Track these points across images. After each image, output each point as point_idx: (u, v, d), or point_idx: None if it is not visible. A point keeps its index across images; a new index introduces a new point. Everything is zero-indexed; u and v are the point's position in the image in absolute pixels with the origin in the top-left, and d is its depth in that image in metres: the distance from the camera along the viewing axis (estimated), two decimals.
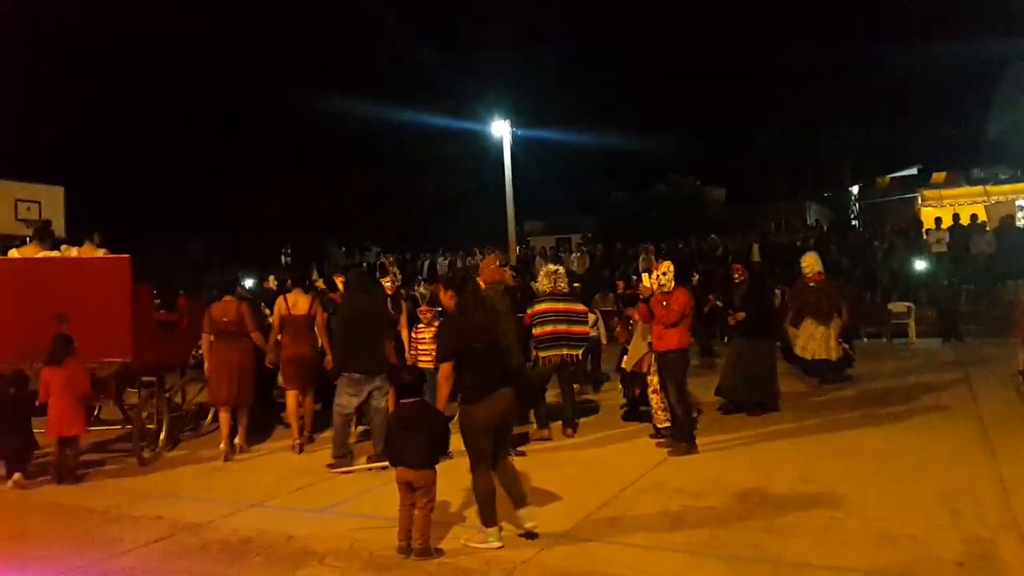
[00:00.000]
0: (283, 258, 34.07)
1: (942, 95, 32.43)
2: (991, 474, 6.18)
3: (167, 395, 8.82)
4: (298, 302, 8.31)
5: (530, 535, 5.18)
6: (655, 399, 7.80)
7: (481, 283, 7.56)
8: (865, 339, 15.91)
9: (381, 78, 33.44)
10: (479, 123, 27.26)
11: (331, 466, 7.23)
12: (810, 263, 10.78)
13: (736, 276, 9.64)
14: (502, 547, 5.04)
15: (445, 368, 5.22)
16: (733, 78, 35.70)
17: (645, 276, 8.23)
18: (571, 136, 31.87)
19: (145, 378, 8.47)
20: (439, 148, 32.58)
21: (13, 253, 8.75)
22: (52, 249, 8.66)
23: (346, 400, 7.33)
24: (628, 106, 37.40)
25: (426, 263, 25.39)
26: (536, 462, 7.19)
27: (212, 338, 8.21)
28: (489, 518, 5.13)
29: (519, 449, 7.40)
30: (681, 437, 7.35)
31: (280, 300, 8.43)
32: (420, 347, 8.41)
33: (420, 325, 8.57)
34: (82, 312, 7.72)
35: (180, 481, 7.29)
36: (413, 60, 34.09)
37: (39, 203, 16.03)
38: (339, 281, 9.63)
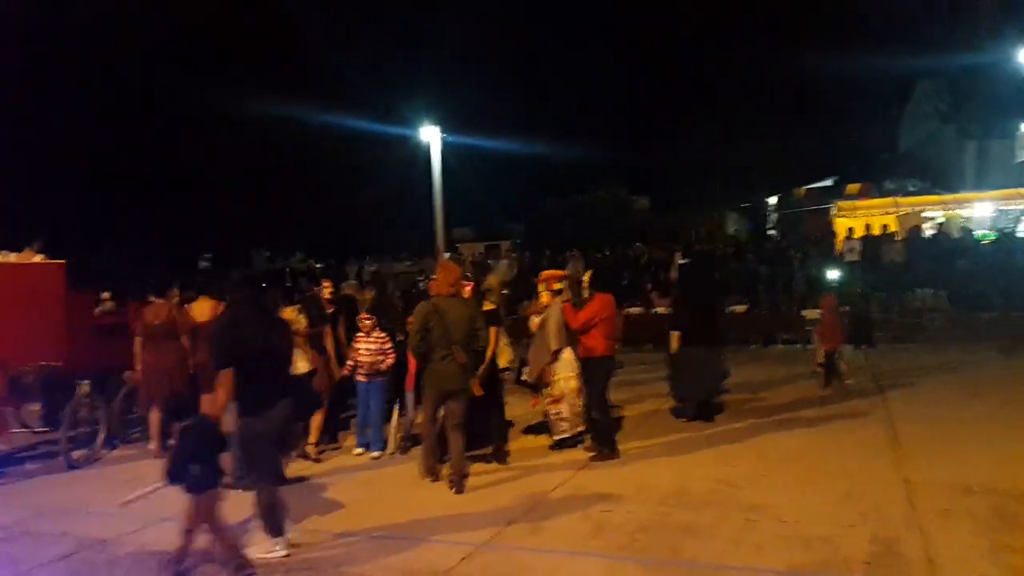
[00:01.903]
0: (200, 263, 33.20)
1: (857, 109, 33.71)
2: (898, 475, 6.44)
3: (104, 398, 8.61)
4: (204, 310, 8.32)
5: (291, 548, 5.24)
6: (554, 409, 7.76)
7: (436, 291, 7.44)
8: (781, 345, 16.43)
9: (308, 81, 32.96)
10: (408, 128, 27.14)
11: (229, 486, 6.88)
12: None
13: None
14: (288, 555, 5.09)
15: (222, 376, 4.96)
16: (658, 89, 36.50)
17: (542, 286, 8.18)
18: (501, 143, 31.99)
19: (81, 382, 8.29)
20: (367, 153, 32.28)
21: None
22: None
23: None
24: (557, 114, 37.83)
25: (355, 270, 25.08)
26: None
27: (141, 341, 8.25)
28: (275, 528, 5.13)
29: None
30: (602, 443, 7.44)
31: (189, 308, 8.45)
32: (358, 358, 7.83)
33: (359, 334, 7.92)
34: (13, 316, 7.72)
35: (92, 494, 7.01)
36: (340, 64, 33.72)
37: None
38: (324, 286, 9.34)
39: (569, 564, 4.89)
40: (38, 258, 8.81)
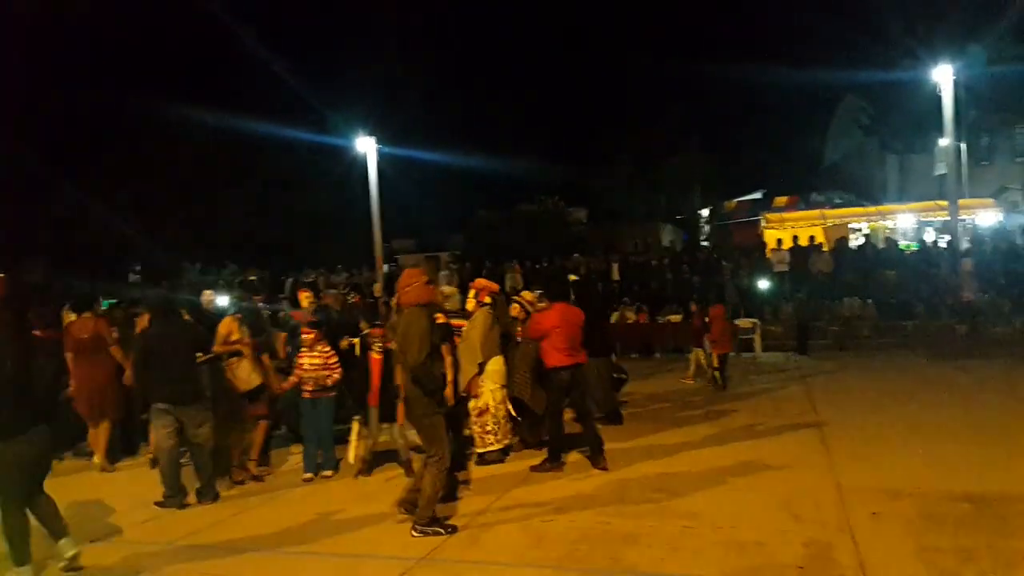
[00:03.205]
0: (130, 276, 32.24)
1: (785, 123, 34.74)
2: (829, 480, 6.59)
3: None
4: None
5: (74, 567, 5.15)
6: (479, 422, 7.67)
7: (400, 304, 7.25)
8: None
9: (242, 92, 32.32)
10: (344, 139, 26.87)
11: (160, 504, 6.72)
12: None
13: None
14: None
15: None
16: (594, 102, 36.97)
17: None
18: (438, 155, 31.92)
19: None
20: (302, 163, 31.84)
21: None
22: None
23: (160, 433, 6.80)
24: (494, 126, 37.99)
25: (289, 281, 24.66)
26: (391, 485, 7.02)
27: (72, 356, 8.11)
28: (21, 556, 5.01)
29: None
30: (551, 456, 7.40)
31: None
32: (302, 374, 7.45)
33: (303, 349, 7.55)
34: None
35: None
36: (275, 74, 33.20)
37: None
38: (303, 296, 9.08)
39: (509, 575, 4.86)
40: None
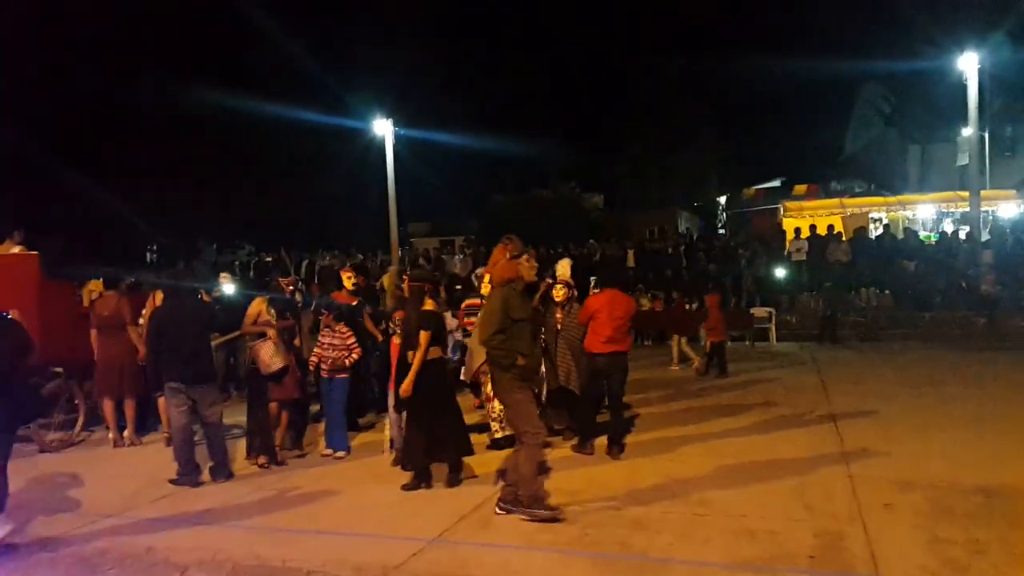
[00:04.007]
0: (149, 256, 32.47)
1: (805, 111, 34.40)
2: (842, 470, 6.57)
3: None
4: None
5: None
6: (486, 408, 7.67)
7: (489, 282, 7.15)
8: (729, 342, 16.66)
9: (258, 72, 32.41)
10: (361, 121, 26.87)
11: (173, 481, 6.76)
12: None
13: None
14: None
15: None
16: (611, 87, 36.76)
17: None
18: (455, 138, 31.88)
19: (56, 369, 8.47)
20: (319, 145, 31.91)
21: None
22: None
23: (173, 412, 6.87)
24: (511, 111, 37.79)
25: (304, 263, 24.76)
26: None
27: (95, 333, 8.38)
28: None
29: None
30: (580, 438, 7.43)
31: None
32: (321, 354, 7.60)
33: (324, 329, 7.73)
34: None
35: (30, 492, 6.80)
36: (293, 57, 33.21)
37: None
38: (346, 277, 9.10)
39: (519, 558, 4.89)
40: (16, 250, 9.05)
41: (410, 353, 6.42)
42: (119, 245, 31.43)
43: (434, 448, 6.45)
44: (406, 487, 6.35)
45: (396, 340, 7.24)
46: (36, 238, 9.64)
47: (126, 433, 8.46)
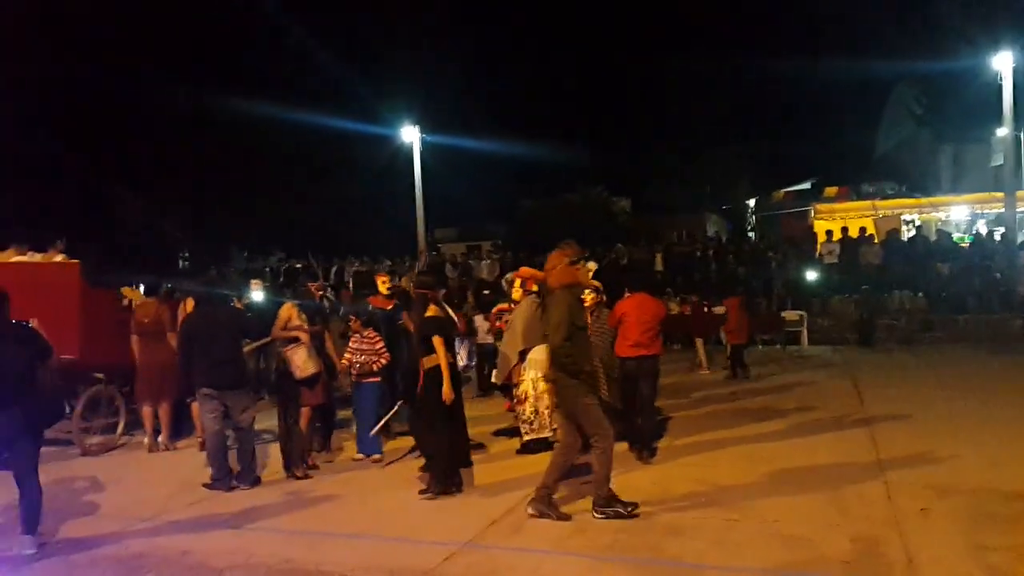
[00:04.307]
0: (181, 263, 32.92)
1: (836, 112, 34.02)
2: (877, 474, 6.49)
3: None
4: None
5: None
6: (518, 410, 7.66)
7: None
8: (760, 346, 16.53)
9: (287, 82, 32.74)
10: (389, 128, 27.05)
11: (208, 486, 6.85)
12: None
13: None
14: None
15: None
16: (639, 90, 36.63)
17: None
18: (482, 144, 31.96)
19: (97, 374, 8.66)
20: (347, 152, 32.13)
21: None
22: (23, 254, 9.27)
23: (206, 417, 6.96)
24: (538, 115, 37.81)
25: (334, 269, 24.95)
26: None
27: (136, 338, 8.54)
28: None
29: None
30: (630, 440, 7.42)
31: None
32: (351, 358, 7.66)
33: (353, 335, 7.79)
34: (35, 312, 7.93)
35: (70, 496, 6.92)
36: (321, 64, 33.57)
37: None
38: (380, 281, 9.19)
39: (551, 563, 4.88)
40: (59, 258, 9.23)
41: (423, 360, 6.47)
42: (153, 252, 31.91)
43: (452, 455, 6.49)
44: (423, 492, 6.37)
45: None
46: (74, 245, 9.80)
47: (161, 438, 8.59)
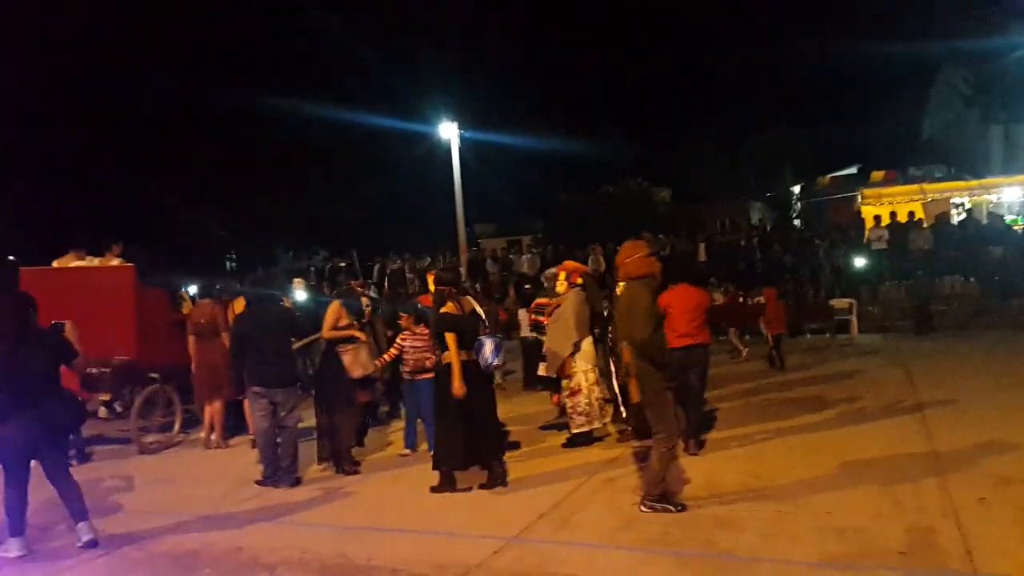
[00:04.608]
0: (228, 264, 33.49)
1: (880, 95, 33.25)
2: (931, 464, 6.36)
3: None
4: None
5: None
6: (571, 402, 7.65)
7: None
8: (809, 335, 16.28)
9: (326, 80, 33.04)
10: (427, 125, 27.17)
11: (260, 483, 6.96)
12: None
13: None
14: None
15: None
16: (677, 79, 36.23)
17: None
18: (519, 138, 31.93)
19: (152, 374, 8.90)
20: (387, 150, 32.35)
21: (55, 263, 9.52)
22: (82, 258, 9.51)
23: (256, 416, 7.05)
24: (575, 108, 37.63)
25: (376, 267, 25.19)
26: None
27: (193, 338, 8.74)
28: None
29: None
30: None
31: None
32: (404, 356, 7.68)
33: (404, 331, 7.80)
34: (93, 315, 8.41)
35: (126, 494, 7.11)
36: (359, 61, 33.79)
37: None
38: (431, 279, 9.33)
39: (601, 557, 4.87)
40: (115, 262, 9.48)
41: (442, 355, 6.57)
42: (200, 253, 32.50)
43: (465, 452, 6.48)
44: (434, 489, 6.41)
45: None
46: (127, 248, 10.04)
47: (213, 436, 8.77)
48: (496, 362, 6.64)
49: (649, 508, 5.55)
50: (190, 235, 31.83)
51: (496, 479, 6.49)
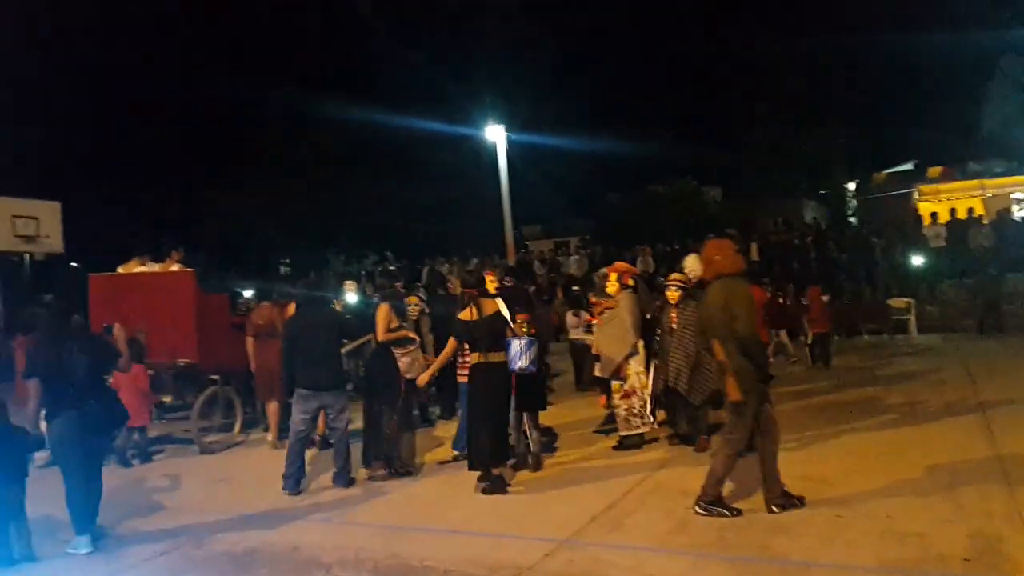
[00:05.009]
0: (281, 268, 34.04)
1: (937, 89, 32.34)
2: (996, 468, 6.16)
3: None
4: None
5: None
6: (625, 404, 7.59)
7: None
8: (866, 336, 15.93)
9: (373, 83, 33.36)
10: (473, 128, 27.29)
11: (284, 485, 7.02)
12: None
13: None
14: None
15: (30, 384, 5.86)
16: (726, 76, 35.60)
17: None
18: (566, 139, 31.85)
19: (213, 376, 9.17)
20: (434, 153, 32.55)
21: (120, 269, 9.88)
22: (144, 264, 9.83)
23: (297, 418, 7.07)
24: (621, 108, 37.32)
25: (425, 269, 25.38)
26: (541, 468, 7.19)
27: (252, 340, 8.93)
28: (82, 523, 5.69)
29: None
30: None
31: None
32: (463, 358, 7.54)
33: None
34: (156, 318, 8.84)
35: (187, 494, 7.29)
36: (405, 65, 34.06)
37: (36, 219, 16.23)
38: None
39: (653, 560, 4.83)
40: (176, 267, 9.75)
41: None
42: (254, 257, 33.13)
43: (493, 450, 6.62)
44: (484, 491, 6.49)
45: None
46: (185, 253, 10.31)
47: (269, 436, 8.94)
48: (519, 364, 6.61)
49: (704, 511, 5.49)
50: (244, 239, 32.46)
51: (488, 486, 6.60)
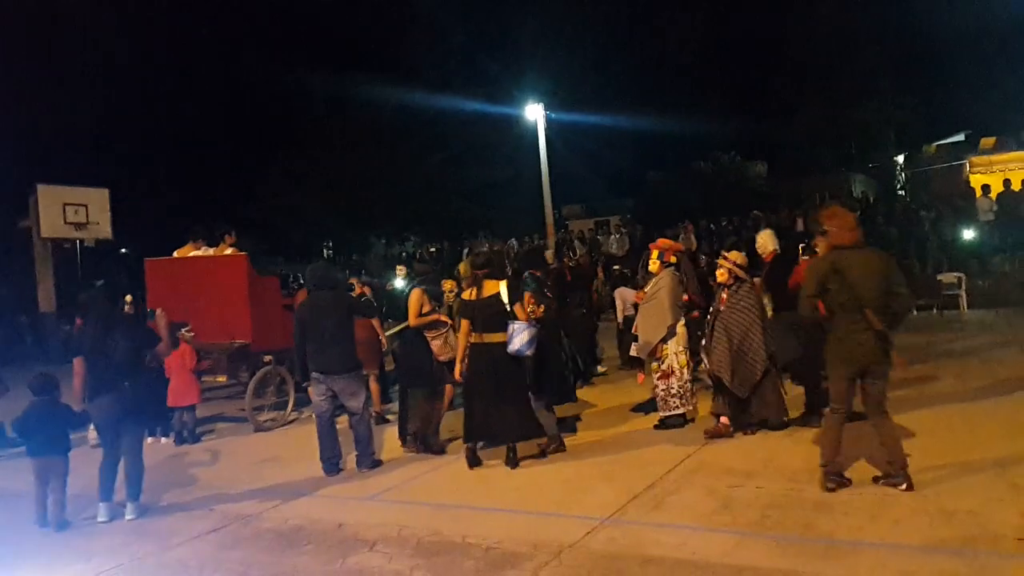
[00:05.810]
0: (325, 252, 34.43)
1: (989, 58, 31.28)
2: None
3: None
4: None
5: None
6: (663, 385, 7.52)
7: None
8: (915, 312, 15.56)
9: (416, 67, 33.34)
10: (513, 108, 27.20)
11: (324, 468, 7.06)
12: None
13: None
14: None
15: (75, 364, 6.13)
16: (772, 49, 34.81)
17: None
18: (606, 118, 31.56)
19: (266, 356, 9.40)
20: (475, 135, 32.52)
21: (176, 253, 10.13)
22: (199, 248, 10.07)
23: (316, 400, 7.08)
24: (663, 83, 36.70)
25: (465, 251, 25.47)
26: (581, 446, 7.20)
27: None
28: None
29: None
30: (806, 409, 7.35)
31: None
32: None
33: None
34: (207, 301, 9.13)
35: (235, 472, 7.44)
36: (446, 46, 33.98)
37: (86, 206, 16.62)
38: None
39: (696, 539, 4.80)
40: (229, 251, 9.97)
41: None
42: (298, 240, 33.52)
43: (480, 429, 6.71)
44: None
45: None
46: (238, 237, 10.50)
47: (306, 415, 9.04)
48: (511, 348, 6.54)
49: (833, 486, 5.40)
50: (290, 222, 32.82)
51: (509, 461, 6.66)
